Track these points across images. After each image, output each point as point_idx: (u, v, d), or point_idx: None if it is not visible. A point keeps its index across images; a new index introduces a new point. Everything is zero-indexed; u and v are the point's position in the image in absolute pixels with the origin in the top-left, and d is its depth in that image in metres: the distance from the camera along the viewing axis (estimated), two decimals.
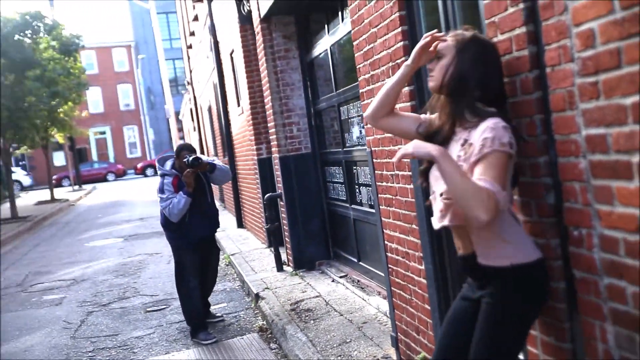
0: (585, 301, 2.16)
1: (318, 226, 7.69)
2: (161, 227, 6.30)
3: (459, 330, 2.49)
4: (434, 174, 2.39)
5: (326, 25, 6.51)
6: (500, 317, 2.32)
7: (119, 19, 53.86)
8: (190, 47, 19.89)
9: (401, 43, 3.38)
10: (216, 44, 11.93)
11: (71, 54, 23.60)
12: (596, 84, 1.91)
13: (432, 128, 2.51)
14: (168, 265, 9.52)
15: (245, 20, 8.60)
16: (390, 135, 3.65)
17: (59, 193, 30.91)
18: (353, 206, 6.57)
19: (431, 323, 3.59)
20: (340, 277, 6.87)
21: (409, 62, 2.60)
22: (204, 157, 6.12)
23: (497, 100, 2.34)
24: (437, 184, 2.38)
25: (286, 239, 7.97)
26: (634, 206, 1.84)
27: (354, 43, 4.15)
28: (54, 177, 37.50)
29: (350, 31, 4.27)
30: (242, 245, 10.16)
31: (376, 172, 4.12)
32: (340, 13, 5.95)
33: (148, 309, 7.34)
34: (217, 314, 6.59)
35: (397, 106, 3.36)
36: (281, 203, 7.96)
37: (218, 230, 6.59)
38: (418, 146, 2.25)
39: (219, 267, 8.71)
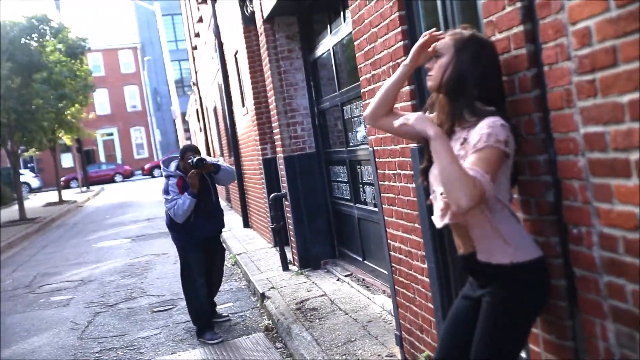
0: (586, 299, 2.16)
1: (323, 225, 7.70)
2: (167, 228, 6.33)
3: (461, 330, 2.49)
4: (434, 173, 2.40)
5: (328, 25, 6.52)
6: (501, 316, 2.32)
7: (125, 21, 54.03)
8: (195, 48, 19.94)
9: (401, 43, 3.38)
10: (220, 45, 11.96)
11: (77, 56, 23.73)
12: (593, 82, 1.91)
13: None
14: (175, 265, 9.55)
15: (248, 21, 8.63)
16: (391, 134, 3.65)
17: (67, 194, 31.06)
18: (357, 205, 6.58)
19: (434, 321, 3.60)
20: (346, 275, 6.88)
21: (407, 61, 2.60)
22: (208, 158, 6.14)
23: (496, 99, 2.34)
24: (437, 183, 2.38)
25: (291, 238, 7.99)
26: (633, 204, 1.83)
27: (355, 43, 4.16)
28: (62, 178, 37.69)
29: (352, 31, 4.28)
30: (248, 245, 10.19)
31: (378, 171, 4.13)
32: (342, 13, 5.95)
33: (155, 309, 7.37)
34: (223, 314, 6.61)
35: (398, 105, 3.38)
36: (286, 203, 7.98)
37: (224, 230, 6.61)
38: (419, 120, 2.27)
39: (225, 267, 8.76)
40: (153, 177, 43.85)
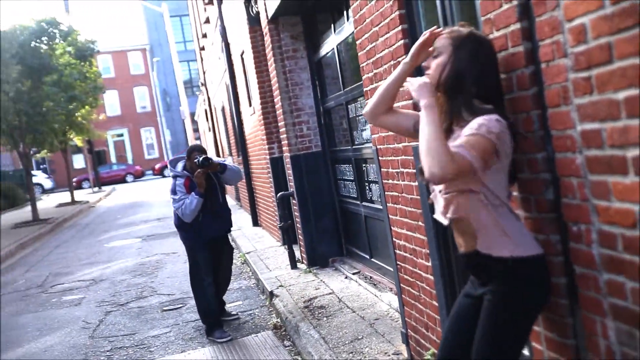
0: (586, 297, 2.16)
1: (330, 223, 7.72)
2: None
3: (462, 328, 2.49)
4: None
5: (332, 25, 6.52)
6: (502, 314, 2.32)
7: (134, 23, 54.27)
8: (203, 49, 20.00)
9: (401, 41, 3.39)
10: (227, 45, 11.99)
11: (87, 58, 23.87)
12: (589, 79, 1.91)
13: None
14: (185, 264, 9.57)
15: (254, 21, 8.65)
16: (393, 133, 3.66)
17: (79, 195, 31.24)
18: (364, 203, 6.59)
19: (439, 319, 3.60)
20: (353, 273, 6.89)
21: (407, 59, 2.61)
22: (215, 158, 6.16)
23: (494, 97, 2.34)
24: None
25: (299, 236, 8.01)
26: (630, 201, 1.83)
27: (357, 42, 4.17)
28: (74, 179, 37.88)
29: (354, 30, 4.29)
30: (257, 244, 10.22)
31: (382, 169, 4.14)
32: (345, 12, 5.96)
33: (165, 308, 7.41)
34: (233, 312, 6.64)
35: (399, 104, 3.39)
36: (293, 201, 8.00)
37: (232, 229, 6.63)
38: (420, 86, 2.31)
39: (234, 266, 8.80)
40: (163, 176, 44.03)
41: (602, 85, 1.85)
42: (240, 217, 13.98)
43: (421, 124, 2.26)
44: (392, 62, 3.57)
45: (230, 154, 16.46)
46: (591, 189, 2.01)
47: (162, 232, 14.35)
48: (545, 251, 2.33)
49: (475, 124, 2.22)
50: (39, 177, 41.11)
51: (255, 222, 12.37)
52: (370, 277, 6.53)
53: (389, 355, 4.49)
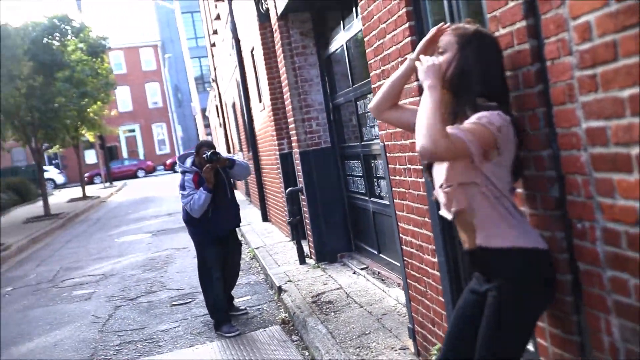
0: (590, 294, 2.17)
1: (339, 219, 7.74)
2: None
3: (467, 324, 2.50)
4: (436, 168, 2.42)
5: (341, 21, 6.53)
6: (506, 310, 2.33)
7: (145, 19, 54.46)
8: (214, 45, 20.05)
9: (409, 38, 3.39)
10: (237, 42, 12.02)
11: (98, 55, 24.00)
12: (594, 77, 1.91)
13: None
14: (194, 259, 9.55)
15: (264, 18, 8.67)
16: (401, 129, 3.67)
17: (90, 190, 31.42)
18: (372, 199, 6.60)
19: (445, 315, 3.61)
20: (361, 269, 6.91)
21: (413, 55, 2.61)
22: (225, 154, 6.19)
23: (499, 95, 2.34)
24: (439, 177, 2.40)
25: (308, 232, 8.03)
26: (634, 199, 1.83)
27: (365, 39, 4.17)
28: (86, 174, 38.16)
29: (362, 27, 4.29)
30: (266, 239, 10.25)
31: (389, 166, 4.15)
32: (354, 9, 5.96)
33: (174, 303, 7.46)
34: (241, 307, 6.67)
35: (407, 101, 3.39)
36: (302, 197, 8.02)
37: (242, 224, 6.66)
38: (428, 67, 2.33)
39: (243, 261, 8.83)
40: (175, 172, 44.16)
41: (607, 83, 1.85)
42: (250, 213, 14.03)
43: (421, 102, 2.28)
44: (399, 59, 3.58)
45: (241, 150, 16.51)
46: (596, 186, 2.01)
47: (173, 227, 14.41)
48: (550, 248, 2.34)
49: (476, 116, 2.25)
50: (51, 172, 41.37)
51: (265, 218, 12.41)
52: (379, 273, 6.54)
53: (395, 350, 4.51)
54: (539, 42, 2.23)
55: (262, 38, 9.03)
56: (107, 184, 36.93)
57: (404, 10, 3.41)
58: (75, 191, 31.14)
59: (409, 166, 3.78)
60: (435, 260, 3.62)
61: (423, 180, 3.58)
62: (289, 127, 8.12)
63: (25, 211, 23.38)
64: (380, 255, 6.67)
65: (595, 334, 2.17)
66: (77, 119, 23.30)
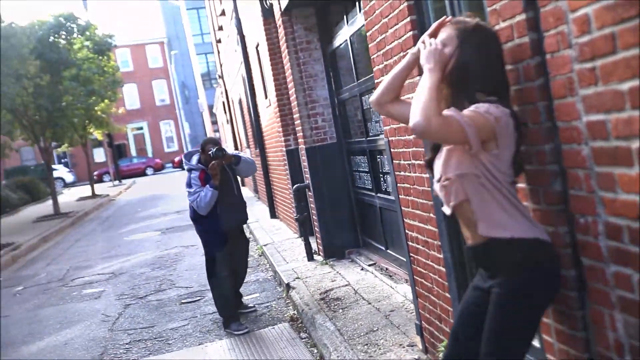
0: (594, 289, 2.15)
1: (346, 215, 7.72)
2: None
3: (471, 320, 2.49)
4: (437, 163, 2.40)
5: (345, 16, 6.50)
6: (510, 306, 2.31)
7: (151, 16, 54.51)
8: (219, 41, 20.04)
9: (410, 33, 3.37)
10: (242, 38, 12.01)
11: (104, 53, 24.07)
12: (594, 70, 1.89)
13: None
14: (203, 257, 9.53)
15: (268, 13, 8.65)
16: (404, 125, 3.65)
17: (99, 188, 31.54)
18: (379, 195, 6.58)
19: (452, 311, 3.60)
20: (369, 265, 6.90)
21: (415, 50, 2.58)
22: (232, 151, 6.19)
23: (499, 91, 2.32)
24: (438, 171, 2.39)
25: (316, 228, 8.03)
26: (635, 193, 1.81)
27: (367, 34, 4.15)
28: (95, 173, 38.30)
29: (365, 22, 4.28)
30: (274, 236, 10.25)
31: (394, 161, 4.13)
32: (357, 3, 5.93)
33: (183, 301, 7.47)
34: (250, 305, 6.68)
35: (409, 96, 3.36)
36: (309, 193, 8.01)
37: (250, 221, 6.66)
38: (430, 52, 2.34)
39: (252, 258, 8.84)
40: (183, 169, 44.10)
41: (607, 76, 1.83)
42: (258, 209, 14.04)
43: (420, 83, 2.29)
44: (401, 54, 3.56)
45: (248, 147, 16.52)
46: (597, 180, 1.99)
47: (181, 225, 14.44)
48: (554, 243, 2.32)
49: (474, 106, 2.24)
50: (61, 171, 41.58)
51: (273, 214, 12.41)
52: (386, 269, 6.53)
53: (403, 347, 4.50)
54: (538, 35, 2.21)
55: (267, 34, 9.01)
56: (116, 182, 37.06)
57: (405, 4, 3.39)
58: (85, 189, 31.25)
59: (413, 162, 3.76)
60: (441, 256, 3.61)
61: (427, 175, 3.56)
62: (295, 123, 8.11)
63: (35, 210, 23.50)
64: (388, 251, 6.65)
65: (600, 330, 2.15)
66: (85, 117, 23.39)
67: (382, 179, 6.42)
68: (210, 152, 5.91)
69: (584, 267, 2.19)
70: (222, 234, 6.09)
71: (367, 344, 4.70)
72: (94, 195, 26.95)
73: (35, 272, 11.35)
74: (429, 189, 3.58)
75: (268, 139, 11.71)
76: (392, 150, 4.13)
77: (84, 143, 26.61)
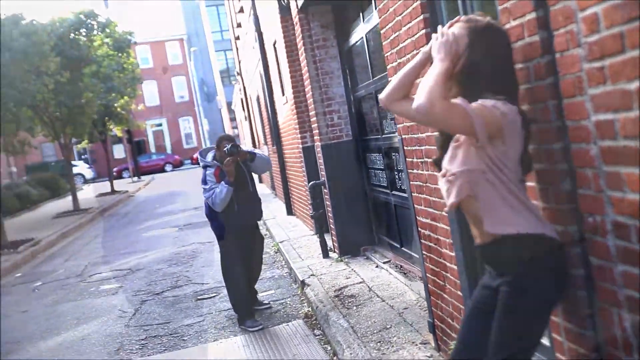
0: (603, 288, 2.14)
1: (362, 212, 7.72)
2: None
3: (480, 319, 2.49)
4: (444, 161, 2.41)
5: (361, 13, 6.49)
6: (518, 304, 2.31)
7: (171, 13, 54.78)
8: (238, 38, 20.11)
9: (423, 31, 3.37)
10: (260, 35, 12.05)
11: (124, 50, 24.25)
12: (602, 69, 1.89)
13: None
14: (219, 253, 9.71)
15: (285, 11, 8.66)
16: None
17: (119, 185, 31.76)
18: (394, 192, 6.58)
19: (464, 309, 3.59)
20: (384, 262, 6.90)
21: (426, 49, 2.57)
22: (250, 148, 6.23)
23: (508, 90, 2.32)
24: (444, 167, 2.40)
25: (331, 225, 8.04)
26: None
27: (381, 31, 4.16)
28: (115, 169, 38.55)
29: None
30: (290, 233, 10.28)
31: (407, 159, 4.13)
32: (373, 1, 5.93)
33: (199, 297, 7.53)
34: (265, 301, 6.71)
35: None
36: (325, 190, 8.02)
37: (267, 218, 6.70)
38: (442, 43, 2.34)
39: (268, 255, 8.89)
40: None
41: (615, 75, 1.82)
42: (275, 206, 14.09)
43: (428, 71, 2.29)
44: (414, 52, 3.56)
45: (266, 143, 16.57)
46: (606, 180, 1.99)
47: (199, 221, 14.50)
48: (563, 242, 2.31)
49: (480, 101, 2.24)
50: (81, 167, 41.94)
51: (289, 211, 12.44)
52: (401, 266, 6.53)
53: (416, 345, 4.50)
54: (548, 34, 2.20)
55: (284, 31, 9.03)
56: (135, 179, 37.31)
57: (419, 2, 3.39)
58: (104, 186, 31.50)
59: (425, 159, 3.76)
60: (453, 254, 3.61)
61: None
62: (311, 120, 8.12)
63: (55, 206, 23.75)
64: (403, 248, 6.65)
65: (609, 329, 2.15)
66: (105, 113, 23.58)
67: (397, 176, 6.41)
68: (225, 149, 5.95)
69: (593, 266, 2.18)
70: (236, 231, 6.12)
71: (380, 341, 4.71)
72: (113, 192, 27.16)
73: (54, 268, 11.49)
74: None
75: (285, 136, 11.74)
76: (405, 148, 4.13)
77: (103, 139, 26.83)
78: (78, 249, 13.63)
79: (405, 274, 6.28)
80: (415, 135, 3.86)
